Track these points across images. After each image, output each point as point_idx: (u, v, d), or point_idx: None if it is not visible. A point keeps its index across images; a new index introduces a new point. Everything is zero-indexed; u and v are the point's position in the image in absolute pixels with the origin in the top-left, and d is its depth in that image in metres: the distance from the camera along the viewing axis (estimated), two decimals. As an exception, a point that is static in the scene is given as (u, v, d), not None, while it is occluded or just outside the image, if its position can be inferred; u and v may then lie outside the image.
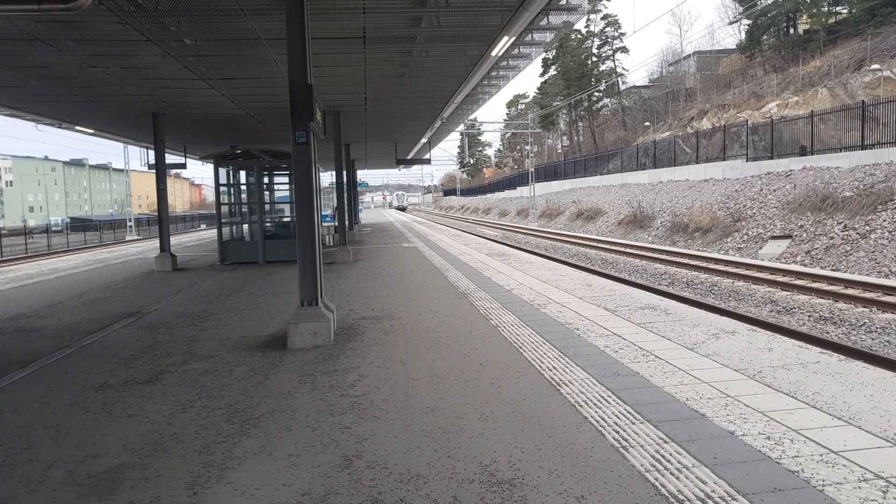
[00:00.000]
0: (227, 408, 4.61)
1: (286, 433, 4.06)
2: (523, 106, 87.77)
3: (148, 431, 4.21)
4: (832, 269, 15.38)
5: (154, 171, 16.23)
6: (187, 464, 3.65)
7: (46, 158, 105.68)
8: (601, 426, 3.93)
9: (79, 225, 51.94)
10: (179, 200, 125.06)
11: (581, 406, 4.31)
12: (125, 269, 15.78)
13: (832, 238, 16.95)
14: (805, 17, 44.34)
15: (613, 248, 23.67)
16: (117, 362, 6.16)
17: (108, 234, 45.90)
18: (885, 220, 15.98)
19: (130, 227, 46.60)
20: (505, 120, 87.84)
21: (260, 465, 3.59)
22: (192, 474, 3.50)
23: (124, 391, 5.17)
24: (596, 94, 62.71)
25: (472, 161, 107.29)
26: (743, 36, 49.97)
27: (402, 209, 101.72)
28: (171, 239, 16.35)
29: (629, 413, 4.14)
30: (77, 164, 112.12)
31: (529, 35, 11.20)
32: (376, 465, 3.52)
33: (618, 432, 3.82)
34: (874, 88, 28.11)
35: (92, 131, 19.47)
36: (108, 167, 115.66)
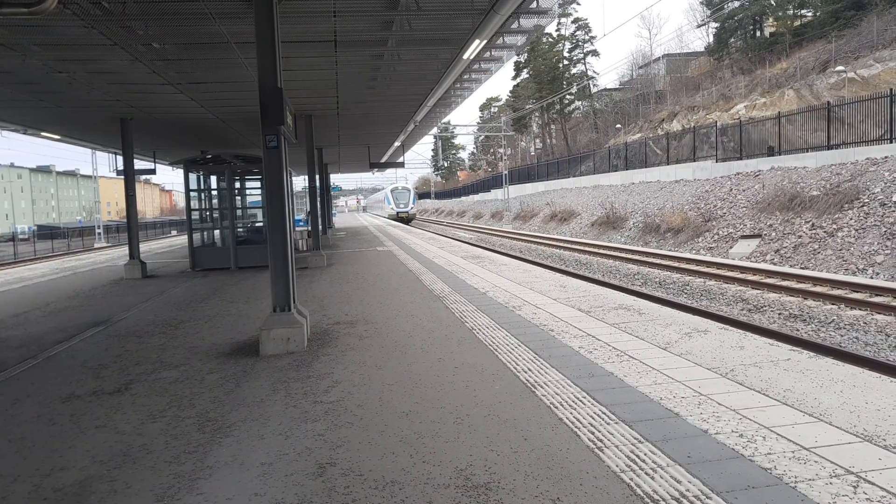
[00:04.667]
0: (199, 417, 4.53)
1: (259, 441, 3.99)
2: (496, 109, 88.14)
3: (116, 443, 4.11)
4: (801, 268, 15.67)
5: (123, 177, 15.95)
6: (157, 475, 3.57)
7: (12, 165, 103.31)
8: (576, 427, 3.94)
9: (46, 233, 50.87)
10: (149, 206, 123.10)
11: (556, 408, 4.31)
12: (94, 277, 15.47)
13: (800, 237, 17.27)
14: (771, 20, 45.22)
15: (587, 249, 23.85)
16: (85, 372, 6.02)
17: (77, 242, 45.05)
18: (851, 219, 16.33)
19: (99, 234, 45.78)
20: (478, 123, 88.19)
21: (232, 474, 3.52)
22: (161, 485, 3.43)
23: (92, 402, 5.05)
24: (568, 96, 63.28)
25: (446, 164, 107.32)
26: (711, 39, 50.81)
27: (406, 220, 55.93)
28: (140, 246, 16.07)
29: (604, 414, 4.15)
30: (44, 170, 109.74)
31: (501, 38, 11.23)
32: (351, 472, 3.47)
33: (593, 433, 3.83)
34: (839, 89, 28.73)
35: (59, 137, 19.08)
36: (76, 174, 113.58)
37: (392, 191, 61.26)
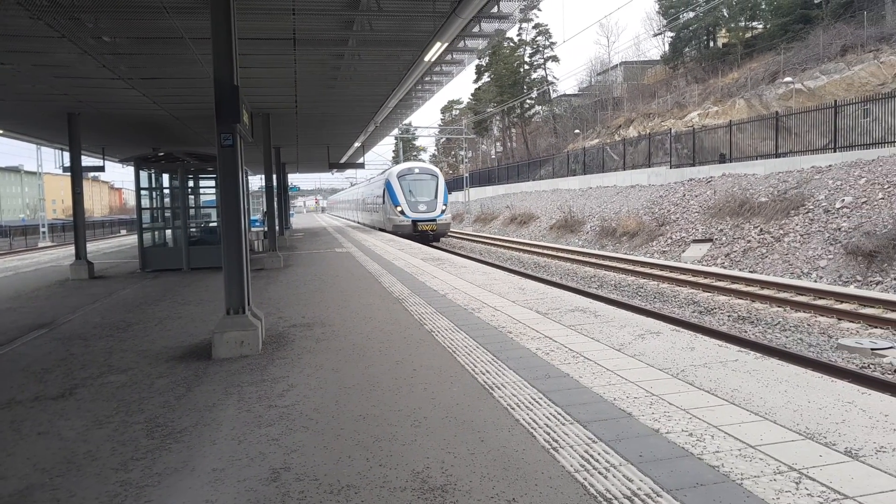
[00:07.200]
0: (147, 422, 4.40)
1: (210, 447, 3.90)
2: (457, 112, 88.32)
3: (60, 450, 3.97)
4: (750, 271, 16.13)
5: (70, 174, 15.43)
6: (103, 483, 3.45)
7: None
8: (532, 428, 3.96)
9: (-13, 231, 48.89)
10: (98, 205, 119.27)
11: (513, 409, 4.33)
12: (37, 278, 14.93)
13: (749, 241, 17.78)
14: (724, 31, 46.47)
15: (545, 251, 24.09)
16: (27, 377, 5.80)
17: (19, 241, 43.36)
18: (797, 224, 16.90)
19: (44, 232, 44.14)
20: (439, 125, 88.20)
21: (182, 481, 3.43)
22: (108, 494, 3.32)
23: (34, 407, 4.86)
24: (528, 101, 63.81)
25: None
26: (667, 48, 51.92)
27: (434, 236, 28.82)
28: (88, 245, 15.57)
29: (559, 414, 4.19)
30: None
31: (462, 42, 11.29)
32: (305, 476, 3.42)
33: (548, 433, 3.86)
34: (787, 100, 29.70)
35: (1, 132, 18.39)
36: (20, 170, 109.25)
37: (401, 176, 29.56)
